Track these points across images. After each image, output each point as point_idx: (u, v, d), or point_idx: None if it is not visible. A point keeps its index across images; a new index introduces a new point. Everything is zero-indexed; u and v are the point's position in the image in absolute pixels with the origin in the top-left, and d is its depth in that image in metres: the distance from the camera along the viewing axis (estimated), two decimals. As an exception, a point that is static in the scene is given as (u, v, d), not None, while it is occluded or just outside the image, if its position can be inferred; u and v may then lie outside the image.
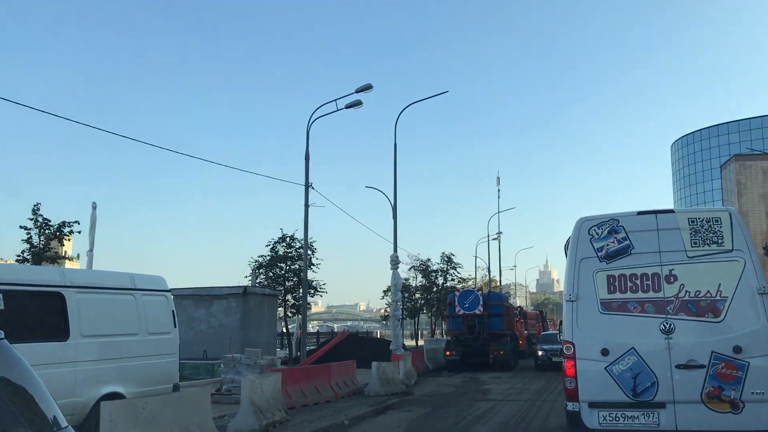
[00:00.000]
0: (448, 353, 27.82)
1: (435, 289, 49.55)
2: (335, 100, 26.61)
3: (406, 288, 48.15)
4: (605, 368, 7.26)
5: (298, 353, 27.14)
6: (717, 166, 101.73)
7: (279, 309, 31.91)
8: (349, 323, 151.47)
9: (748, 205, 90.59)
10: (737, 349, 6.95)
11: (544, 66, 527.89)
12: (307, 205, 26.77)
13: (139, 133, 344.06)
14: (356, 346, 30.28)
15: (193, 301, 25.74)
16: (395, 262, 28.21)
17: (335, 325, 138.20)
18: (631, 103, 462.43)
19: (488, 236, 60.32)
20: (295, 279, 31.53)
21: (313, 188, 26.91)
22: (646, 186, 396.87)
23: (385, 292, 48.00)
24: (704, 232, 7.35)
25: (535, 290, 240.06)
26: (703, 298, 7.18)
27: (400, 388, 18.25)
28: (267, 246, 31.98)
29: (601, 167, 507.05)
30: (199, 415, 9.17)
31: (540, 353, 26.32)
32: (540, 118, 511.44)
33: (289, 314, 32.63)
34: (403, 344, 32.01)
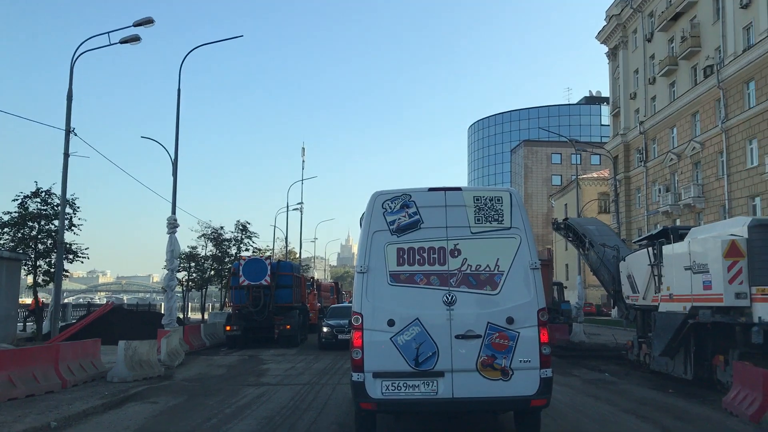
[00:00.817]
0: (228, 328, 24.92)
1: (227, 259, 45.98)
2: (108, 32, 22.69)
3: (193, 257, 44.37)
4: (390, 339, 7.36)
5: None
6: (508, 150, 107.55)
7: (28, 276, 26.96)
8: (140, 295, 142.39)
9: (533, 188, 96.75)
10: (510, 320, 7.33)
11: (350, 37, 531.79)
12: (66, 155, 22.52)
13: None
14: (125, 321, 26.45)
15: None
16: (173, 225, 24.69)
17: (125, 297, 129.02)
18: (439, 84, 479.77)
19: (287, 206, 58.02)
20: (49, 241, 26.67)
21: (75, 134, 22.74)
22: (449, 164, 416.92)
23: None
24: (487, 210, 7.70)
25: (336, 264, 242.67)
26: (483, 272, 7.50)
27: (157, 371, 15.15)
28: (14, 201, 26.65)
29: (408, 145, 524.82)
30: None
31: (325, 329, 23.83)
32: (345, 89, 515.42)
33: (41, 283, 27.60)
34: (179, 318, 28.62)
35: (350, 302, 33.36)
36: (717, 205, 41.56)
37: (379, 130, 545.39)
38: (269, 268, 25.08)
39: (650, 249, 15.28)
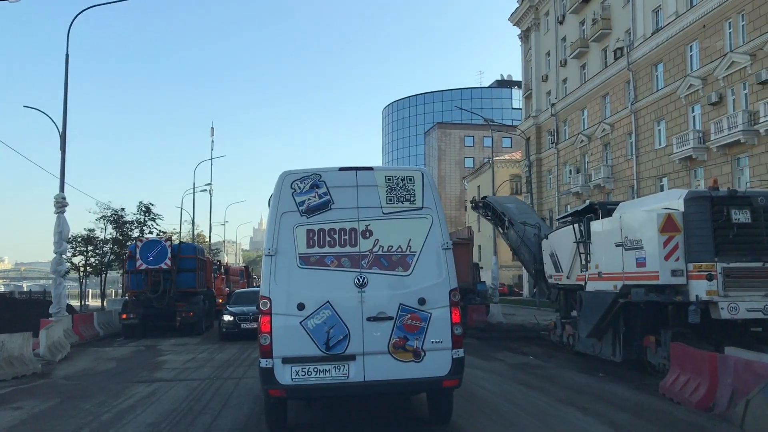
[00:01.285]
0: (124, 316, 22.78)
1: (129, 242, 43.04)
2: (-20, -15, 20.09)
3: (91, 240, 41.43)
4: (300, 323, 7.10)
5: None
6: (422, 133, 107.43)
7: None
8: (42, 282, 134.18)
9: (446, 170, 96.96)
10: (422, 301, 7.20)
11: (261, 13, 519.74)
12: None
13: None
14: (10, 311, 23.95)
15: None
16: (61, 204, 22.37)
17: (25, 284, 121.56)
18: (352, 65, 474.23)
19: (194, 186, 55.41)
20: None
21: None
22: (363, 147, 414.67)
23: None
24: (399, 190, 7.51)
25: (248, 248, 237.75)
26: (395, 253, 7.33)
27: (31, 368, 13.19)
28: None
29: (322, 127, 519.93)
30: None
31: (226, 318, 20.85)
32: (256, 67, 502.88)
33: None
34: (70, 306, 26.20)
35: (258, 287, 31.52)
36: (626, 186, 42.21)
37: (291, 110, 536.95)
38: (169, 250, 23.12)
39: (576, 225, 14.50)
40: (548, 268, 16.79)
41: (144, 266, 22.77)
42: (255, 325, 16.49)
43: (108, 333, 23.34)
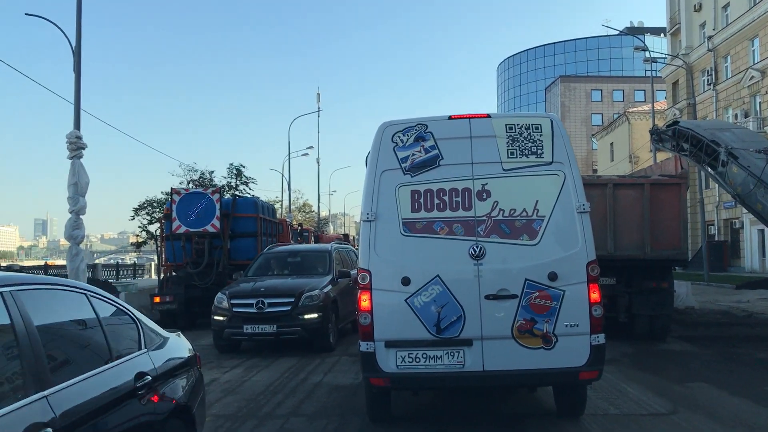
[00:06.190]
0: (157, 299, 16.33)
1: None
2: None
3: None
4: (405, 300, 6.08)
5: None
6: (542, 89, 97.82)
7: None
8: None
9: (570, 129, 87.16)
10: (553, 276, 5.99)
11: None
12: None
13: None
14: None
15: None
16: (75, 145, 16.51)
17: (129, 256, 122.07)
18: (465, 21, 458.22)
19: (289, 143, 49.56)
20: None
21: None
22: (476, 109, 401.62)
23: (136, 210, 35.85)
24: (523, 141, 6.29)
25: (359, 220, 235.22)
26: (519, 218, 6.16)
27: None
28: None
29: (432, 89, 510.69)
30: None
31: (217, 317, 12.14)
32: (364, 22, 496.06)
33: None
34: (106, 283, 20.58)
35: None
36: (818, 129, 32.70)
37: (400, 70, 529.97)
38: (218, 206, 16.66)
39: None
40: None
41: (183, 229, 16.51)
42: (276, 328, 11.45)
43: (142, 320, 17.46)
